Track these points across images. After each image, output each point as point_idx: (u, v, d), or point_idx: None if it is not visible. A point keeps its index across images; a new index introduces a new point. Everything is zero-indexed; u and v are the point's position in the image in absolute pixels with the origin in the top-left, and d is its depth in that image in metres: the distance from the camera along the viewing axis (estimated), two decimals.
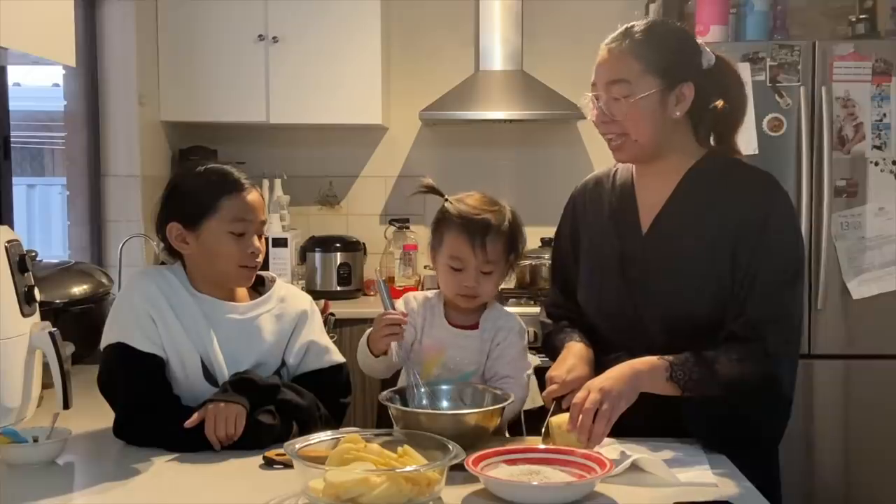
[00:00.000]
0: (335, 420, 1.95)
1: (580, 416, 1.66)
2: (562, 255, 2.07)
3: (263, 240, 1.96)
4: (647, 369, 1.73)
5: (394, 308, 1.90)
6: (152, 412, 1.81)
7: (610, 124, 1.84)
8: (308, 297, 2.07)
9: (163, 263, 2.02)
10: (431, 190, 1.99)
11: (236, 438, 1.75)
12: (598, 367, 1.90)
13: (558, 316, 2.05)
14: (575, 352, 1.90)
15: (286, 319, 1.98)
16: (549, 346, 2.03)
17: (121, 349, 1.84)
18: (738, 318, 1.77)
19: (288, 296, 2.02)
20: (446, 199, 1.97)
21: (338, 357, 2.01)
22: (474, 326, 1.97)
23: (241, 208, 1.90)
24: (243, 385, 1.82)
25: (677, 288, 1.82)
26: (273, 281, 2.04)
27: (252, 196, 1.92)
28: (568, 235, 2.04)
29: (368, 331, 1.92)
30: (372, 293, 4.16)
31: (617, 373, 1.72)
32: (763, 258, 1.77)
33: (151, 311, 1.87)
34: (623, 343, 1.88)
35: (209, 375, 1.87)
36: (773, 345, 1.77)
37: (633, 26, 1.84)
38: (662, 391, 1.73)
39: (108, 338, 1.88)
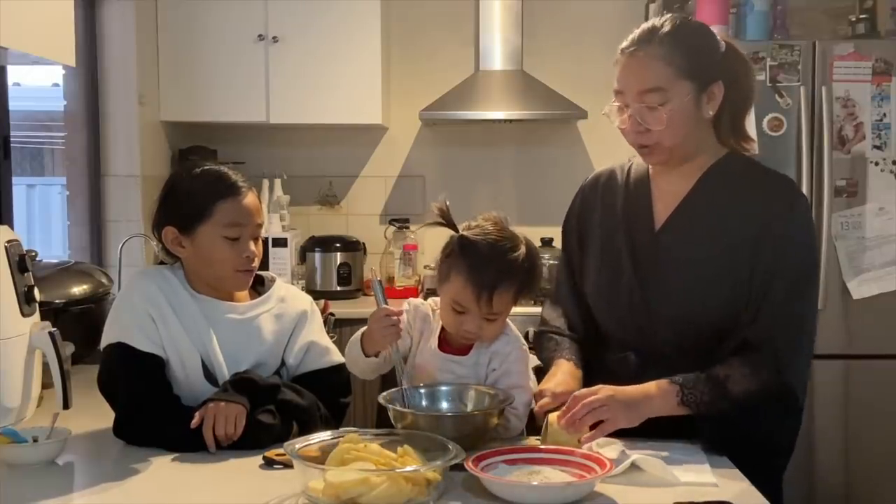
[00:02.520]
0: (335, 420, 1.95)
1: (577, 407, 1.66)
2: (570, 252, 2.02)
3: (260, 242, 1.94)
4: (658, 395, 1.72)
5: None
6: (152, 412, 1.81)
7: (644, 134, 1.79)
8: (308, 298, 2.07)
9: (162, 263, 2.02)
10: (445, 220, 1.87)
11: (236, 438, 1.75)
12: (604, 365, 1.89)
13: (563, 315, 2.01)
14: (564, 369, 1.89)
15: (286, 319, 1.97)
16: (538, 348, 2.01)
17: (121, 349, 1.84)
18: (751, 324, 1.76)
19: (288, 296, 2.01)
20: (459, 234, 1.84)
21: (338, 357, 2.01)
22: (466, 351, 1.89)
23: (236, 213, 1.88)
24: (244, 385, 1.82)
25: (690, 288, 1.80)
26: (273, 281, 2.03)
27: (248, 199, 1.90)
28: (574, 230, 2.01)
29: (361, 330, 1.87)
30: (371, 293, 4.15)
31: (630, 394, 1.71)
32: (781, 265, 1.76)
33: (151, 311, 1.87)
34: (631, 341, 1.87)
35: (209, 375, 1.87)
36: (784, 352, 1.76)
37: (655, 28, 1.78)
38: (674, 413, 1.73)
39: (108, 337, 1.88)
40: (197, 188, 1.90)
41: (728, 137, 1.87)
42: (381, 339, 1.82)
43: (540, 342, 2.02)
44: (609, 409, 1.67)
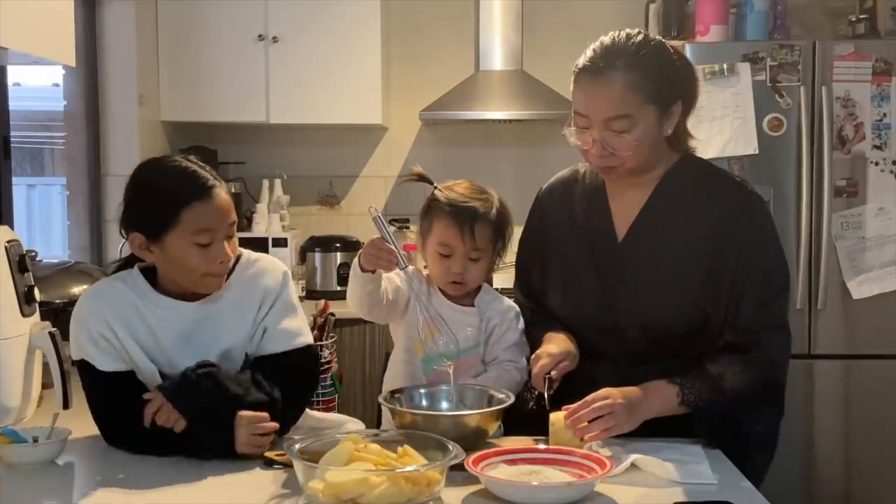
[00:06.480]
0: (298, 409, 1.88)
1: (585, 410, 1.68)
2: (526, 261, 2.06)
3: (235, 240, 1.83)
4: (658, 396, 1.76)
5: (394, 241, 1.82)
6: (130, 425, 1.76)
7: (609, 157, 1.80)
8: (276, 271, 1.93)
9: (124, 265, 1.90)
10: (422, 178, 2.02)
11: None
12: (583, 374, 1.88)
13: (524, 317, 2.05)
14: (559, 335, 1.91)
15: (247, 305, 1.87)
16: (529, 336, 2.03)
17: (86, 366, 1.80)
18: (732, 327, 1.79)
19: (252, 275, 1.89)
20: (435, 187, 2.01)
21: (302, 339, 1.90)
22: (471, 305, 2.02)
23: (205, 218, 1.76)
24: (205, 382, 1.75)
25: (656, 296, 1.82)
26: (238, 260, 1.89)
27: (218, 200, 1.77)
28: (533, 240, 2.03)
29: (361, 250, 1.88)
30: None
31: (633, 398, 1.73)
32: (750, 266, 1.78)
33: (104, 332, 1.79)
34: (602, 348, 1.88)
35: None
36: (772, 351, 1.80)
37: (617, 50, 1.76)
38: (674, 413, 1.76)
39: (73, 352, 1.83)
40: (160, 194, 1.77)
41: (683, 142, 1.89)
42: (373, 262, 1.83)
43: (529, 332, 2.04)
44: (614, 416, 1.69)
